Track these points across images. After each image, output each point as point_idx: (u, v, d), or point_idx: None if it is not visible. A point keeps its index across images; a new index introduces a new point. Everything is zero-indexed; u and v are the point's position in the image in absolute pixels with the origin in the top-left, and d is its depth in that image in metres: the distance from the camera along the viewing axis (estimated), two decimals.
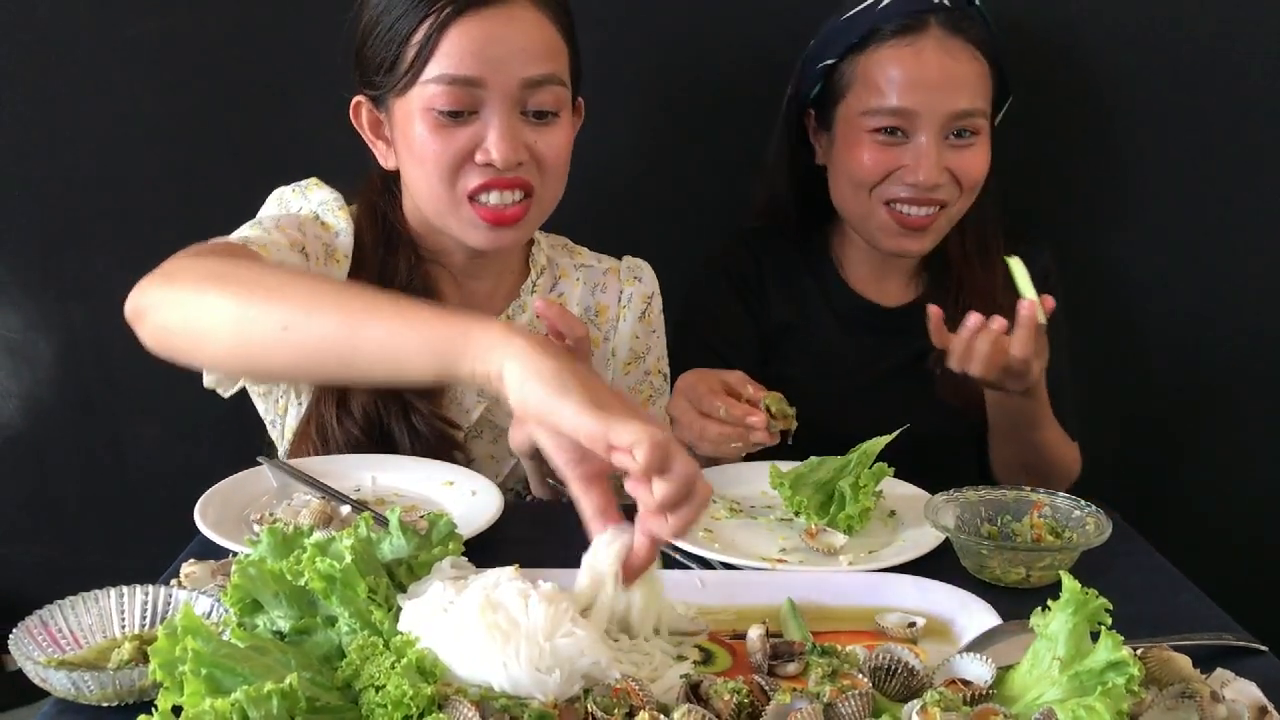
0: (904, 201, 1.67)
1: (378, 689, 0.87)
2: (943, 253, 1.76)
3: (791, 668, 0.99)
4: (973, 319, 1.46)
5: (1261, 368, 2.04)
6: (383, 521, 1.09)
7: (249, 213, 1.52)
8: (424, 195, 1.48)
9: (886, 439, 1.34)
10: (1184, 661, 0.97)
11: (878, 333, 1.80)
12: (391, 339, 1.08)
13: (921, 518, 1.26)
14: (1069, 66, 1.95)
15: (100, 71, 1.91)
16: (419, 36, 1.41)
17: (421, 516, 1.13)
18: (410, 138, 1.45)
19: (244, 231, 1.44)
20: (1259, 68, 1.92)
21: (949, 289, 1.76)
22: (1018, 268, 1.52)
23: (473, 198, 1.45)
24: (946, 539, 1.24)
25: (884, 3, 1.67)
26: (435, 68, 1.41)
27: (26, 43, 1.89)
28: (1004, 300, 1.57)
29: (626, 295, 1.67)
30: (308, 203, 1.53)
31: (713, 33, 1.94)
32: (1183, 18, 1.91)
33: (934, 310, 1.51)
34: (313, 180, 1.56)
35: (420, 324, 1.07)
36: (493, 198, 1.45)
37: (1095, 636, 0.90)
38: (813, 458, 1.35)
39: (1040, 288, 1.51)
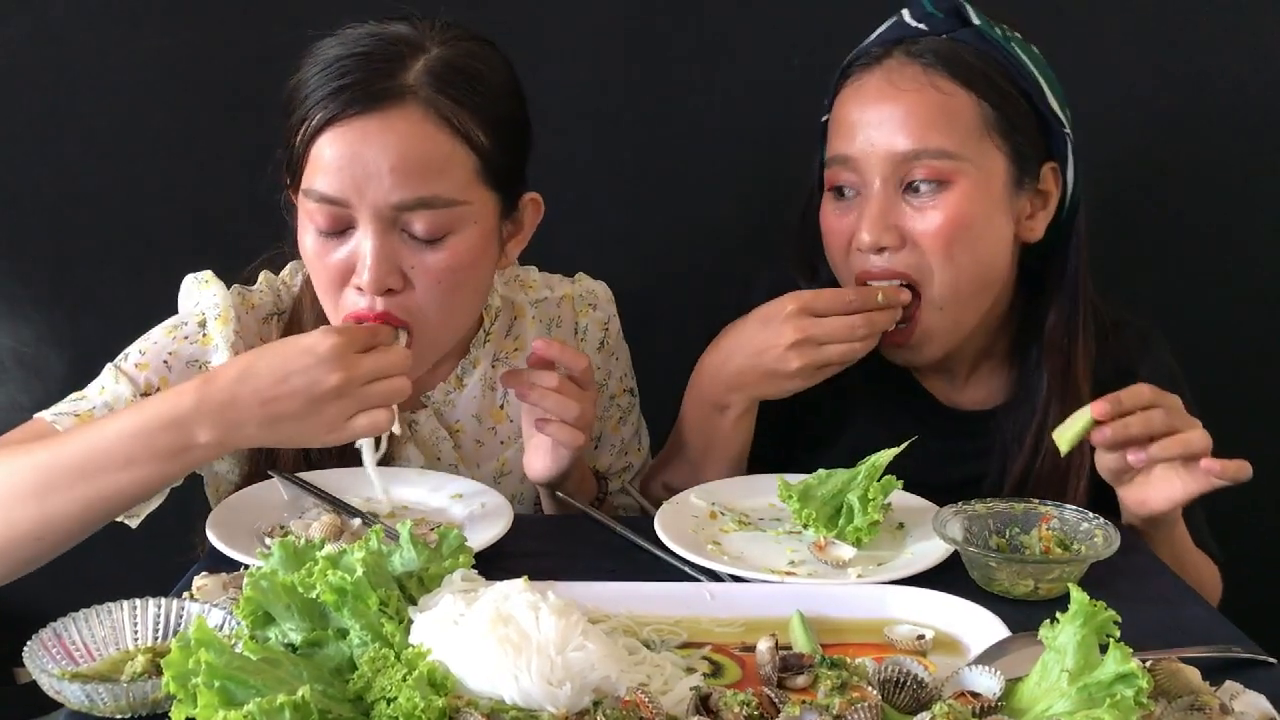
0: (869, 276, 1.41)
1: (389, 701, 0.87)
2: (1039, 341, 1.48)
3: (801, 680, 0.99)
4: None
5: (1269, 377, 2.04)
6: (393, 535, 1.10)
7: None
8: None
9: (894, 451, 1.32)
10: (1193, 674, 0.97)
11: (937, 436, 1.46)
12: (126, 471, 1.21)
13: (930, 530, 1.26)
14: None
15: (113, 86, 1.92)
16: (296, 140, 1.31)
17: (432, 530, 1.14)
18: (302, 241, 1.37)
19: (75, 399, 1.39)
20: None
21: (1036, 390, 1.48)
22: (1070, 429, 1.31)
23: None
24: (955, 552, 1.24)
25: (871, 37, 1.47)
26: (308, 180, 1.31)
27: (40, 57, 1.91)
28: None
29: (583, 327, 1.59)
30: (200, 301, 1.45)
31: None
32: None
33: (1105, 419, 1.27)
34: (207, 276, 1.47)
35: (132, 438, 1.20)
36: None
37: (1104, 649, 0.90)
38: (821, 470, 1.35)
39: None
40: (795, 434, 1.58)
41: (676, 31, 1.95)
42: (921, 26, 1.44)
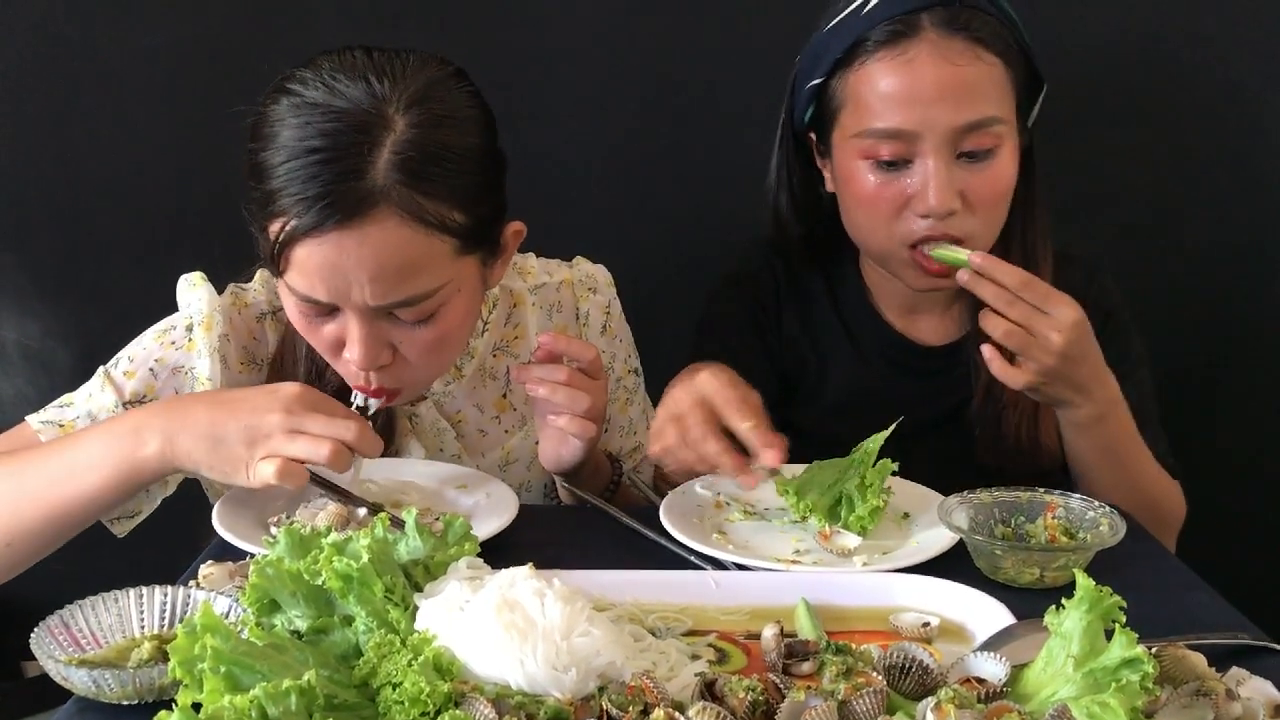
0: (928, 240, 1.45)
1: (395, 686, 0.88)
2: None
3: (806, 666, 0.99)
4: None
5: (1275, 365, 2.04)
6: (399, 523, 1.10)
7: None
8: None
9: (883, 435, 1.33)
10: (1199, 660, 0.97)
11: (911, 375, 1.61)
12: (85, 476, 1.25)
13: (935, 519, 1.26)
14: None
15: (117, 80, 1.93)
16: (270, 234, 1.26)
17: (437, 518, 1.14)
18: (288, 309, 1.35)
19: (62, 405, 1.41)
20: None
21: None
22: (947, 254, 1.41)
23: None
24: (960, 540, 1.24)
25: (870, 5, 1.46)
26: (289, 278, 1.27)
27: (44, 53, 1.91)
28: None
29: (584, 313, 1.59)
30: (190, 305, 1.44)
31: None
32: None
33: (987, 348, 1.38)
34: (195, 278, 1.45)
35: (94, 445, 1.26)
36: (357, 396, 1.36)
37: (1109, 635, 0.90)
38: (816, 462, 1.36)
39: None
40: (789, 393, 1.65)
41: (677, 18, 1.95)
42: None
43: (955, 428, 1.57)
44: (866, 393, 1.60)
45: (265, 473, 1.22)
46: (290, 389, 1.26)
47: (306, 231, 1.22)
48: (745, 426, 1.26)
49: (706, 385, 1.29)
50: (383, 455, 1.38)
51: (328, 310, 1.30)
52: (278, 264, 1.27)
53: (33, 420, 1.40)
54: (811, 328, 1.65)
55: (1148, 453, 1.53)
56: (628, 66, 1.97)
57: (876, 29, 1.45)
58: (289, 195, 1.23)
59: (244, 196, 1.30)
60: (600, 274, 1.62)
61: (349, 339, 1.30)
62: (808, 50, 1.55)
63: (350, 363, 1.32)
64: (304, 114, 1.25)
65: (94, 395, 1.41)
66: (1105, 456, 1.49)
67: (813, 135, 1.59)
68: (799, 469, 1.36)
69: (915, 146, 1.44)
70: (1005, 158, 1.46)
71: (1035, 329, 1.36)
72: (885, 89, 1.44)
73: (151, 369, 1.42)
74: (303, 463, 1.22)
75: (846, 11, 1.49)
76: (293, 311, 1.34)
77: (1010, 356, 1.40)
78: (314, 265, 1.24)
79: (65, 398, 1.43)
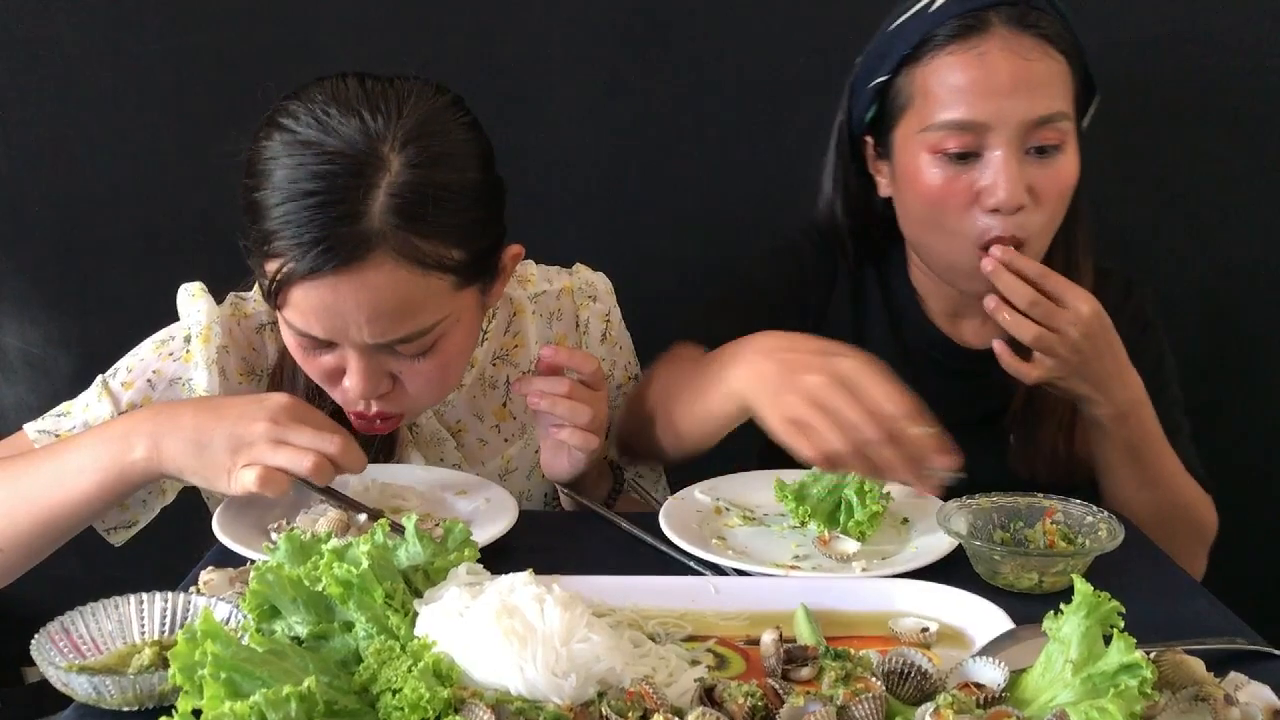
0: (998, 240, 1.43)
1: (395, 692, 0.88)
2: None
3: (805, 672, 0.99)
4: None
5: (1273, 369, 2.04)
6: (399, 529, 1.10)
7: None
8: None
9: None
10: (1197, 665, 0.97)
11: (953, 376, 1.59)
12: (75, 481, 1.26)
13: (934, 524, 1.27)
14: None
15: (118, 88, 1.93)
16: (268, 269, 1.25)
17: (437, 524, 1.14)
18: (285, 340, 1.35)
19: (60, 415, 1.43)
20: None
21: None
22: None
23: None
24: (959, 545, 1.24)
25: (937, 3, 1.46)
26: (287, 314, 1.27)
27: (46, 61, 1.92)
28: None
29: (584, 320, 1.59)
30: (189, 315, 1.45)
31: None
32: None
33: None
34: (195, 289, 1.45)
35: (85, 450, 1.26)
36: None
37: (1108, 640, 0.90)
38: (815, 467, 1.35)
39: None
40: None
41: (677, 22, 1.96)
42: None
43: (989, 434, 1.56)
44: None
45: (246, 480, 1.22)
46: (278, 399, 1.26)
47: (304, 275, 1.22)
48: (920, 431, 1.16)
49: (845, 366, 1.19)
50: (384, 465, 1.39)
51: (326, 344, 1.30)
52: (275, 300, 1.27)
53: (29, 429, 1.41)
54: (861, 319, 1.63)
55: (1175, 459, 1.52)
56: (628, 75, 1.97)
57: (946, 25, 1.44)
58: (285, 239, 1.22)
59: (241, 230, 1.30)
60: (600, 281, 1.62)
61: (348, 371, 1.30)
62: (870, 50, 1.54)
63: (349, 392, 1.32)
64: (298, 153, 1.23)
65: (91, 405, 1.41)
66: (1128, 456, 1.48)
67: (868, 139, 1.57)
68: (799, 474, 1.36)
69: (985, 139, 1.43)
70: (1070, 155, 1.46)
71: (1052, 322, 1.37)
72: (956, 81, 1.43)
73: (149, 380, 1.42)
74: (285, 473, 1.23)
75: (914, 10, 1.48)
76: (291, 343, 1.34)
77: (1025, 353, 1.40)
78: (310, 306, 1.24)
79: (62, 407, 1.43)
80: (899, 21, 1.50)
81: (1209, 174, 1.99)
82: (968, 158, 1.44)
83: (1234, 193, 2.00)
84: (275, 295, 1.26)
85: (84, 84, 1.93)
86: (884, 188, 1.57)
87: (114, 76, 1.93)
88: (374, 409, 1.34)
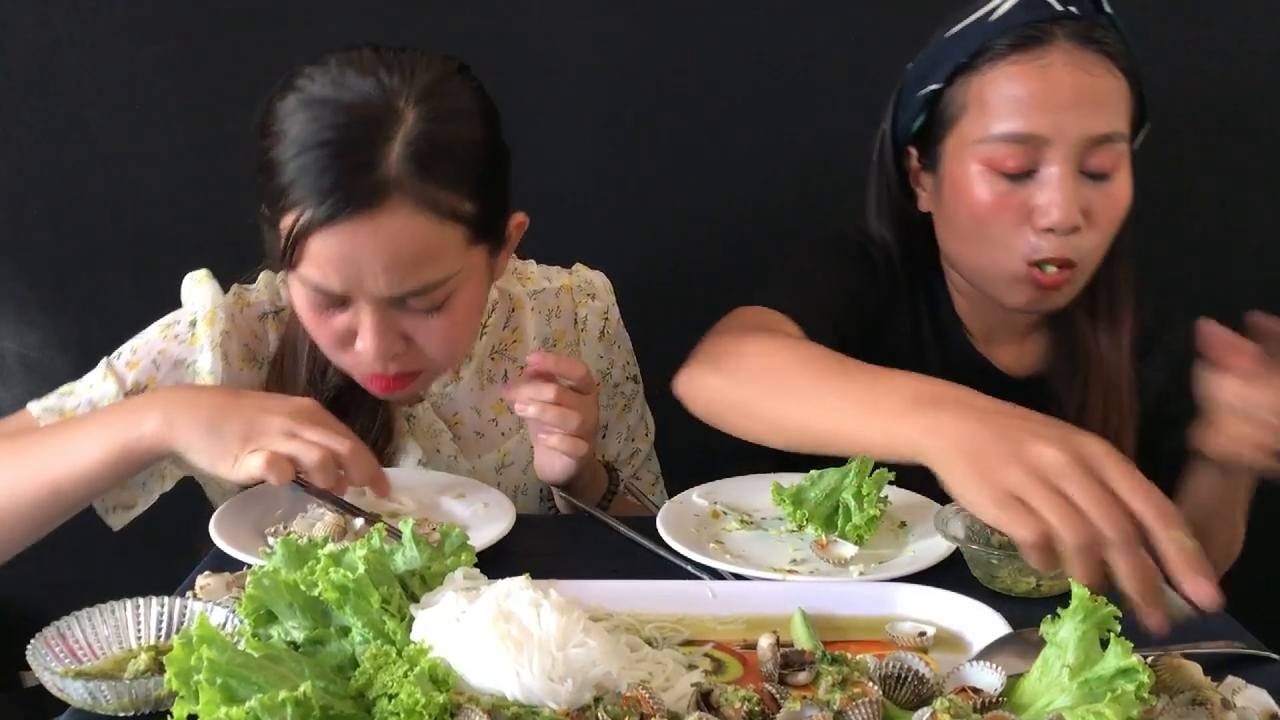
0: (1048, 261, 1.39)
1: (391, 697, 0.88)
2: (1067, 311, 1.50)
3: (802, 676, 0.99)
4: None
5: None
6: (396, 533, 1.10)
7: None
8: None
9: None
10: (1194, 669, 0.97)
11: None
12: (79, 455, 1.24)
13: (931, 529, 1.26)
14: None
15: (116, 92, 1.93)
16: (284, 226, 1.27)
17: (434, 529, 1.14)
18: (296, 304, 1.37)
19: (64, 394, 1.43)
20: None
21: (1073, 360, 1.52)
22: None
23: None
24: (957, 549, 1.24)
25: (998, 13, 1.41)
26: (302, 269, 1.29)
27: (43, 64, 1.92)
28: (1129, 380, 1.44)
29: (582, 318, 1.59)
30: (194, 300, 1.46)
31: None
32: None
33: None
34: (200, 275, 1.47)
35: (91, 422, 1.27)
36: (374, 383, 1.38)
37: (1105, 644, 0.90)
38: (813, 471, 1.35)
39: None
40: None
41: (678, 21, 1.96)
42: (1072, 9, 1.41)
43: None
44: None
45: (252, 465, 1.22)
46: (303, 401, 1.29)
47: (321, 223, 1.24)
48: (1177, 537, 0.95)
49: (1088, 445, 0.99)
50: (379, 456, 1.39)
51: (339, 301, 1.31)
52: (291, 257, 1.28)
53: (34, 407, 1.42)
54: (919, 337, 1.56)
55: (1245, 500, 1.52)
56: (626, 73, 1.97)
57: (1007, 34, 1.40)
58: (302, 188, 1.25)
59: (254, 193, 1.32)
60: (599, 280, 1.63)
61: (361, 330, 1.32)
62: (922, 57, 1.49)
63: (362, 354, 1.33)
64: (314, 109, 1.27)
65: (95, 385, 1.42)
66: (1245, 500, 1.49)
67: (913, 150, 1.53)
68: (796, 478, 1.36)
69: (1042, 154, 1.38)
70: (1125, 178, 1.42)
71: None
72: (1016, 92, 1.38)
73: (154, 361, 1.43)
74: (291, 462, 1.23)
75: (973, 18, 1.44)
76: (302, 306, 1.35)
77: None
78: (328, 256, 1.26)
79: (67, 386, 1.44)
80: (956, 29, 1.44)
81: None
82: (1020, 176, 1.39)
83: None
84: (291, 251, 1.27)
85: (82, 87, 1.93)
86: (925, 201, 1.52)
87: (112, 80, 1.93)
88: (392, 369, 1.35)
